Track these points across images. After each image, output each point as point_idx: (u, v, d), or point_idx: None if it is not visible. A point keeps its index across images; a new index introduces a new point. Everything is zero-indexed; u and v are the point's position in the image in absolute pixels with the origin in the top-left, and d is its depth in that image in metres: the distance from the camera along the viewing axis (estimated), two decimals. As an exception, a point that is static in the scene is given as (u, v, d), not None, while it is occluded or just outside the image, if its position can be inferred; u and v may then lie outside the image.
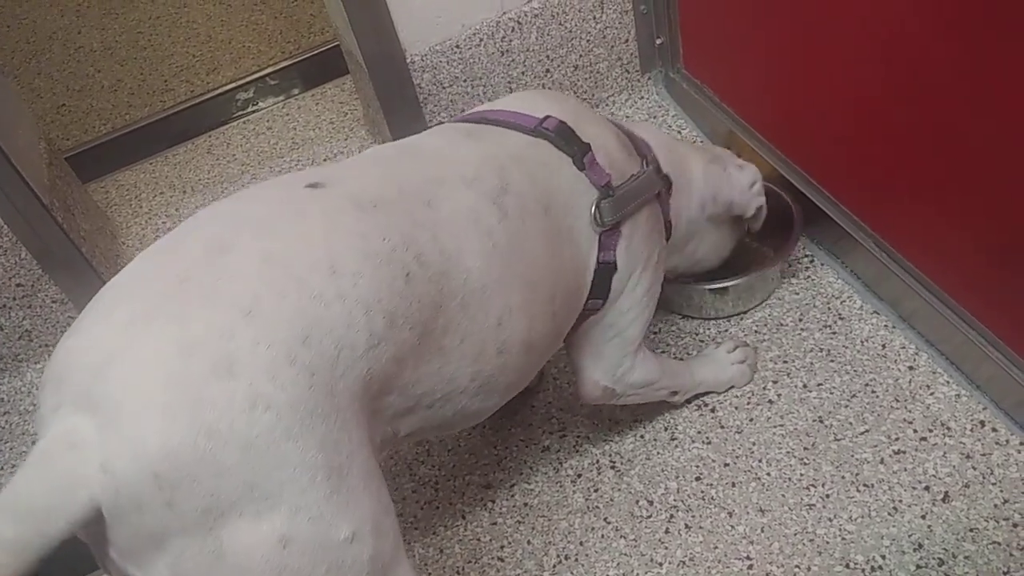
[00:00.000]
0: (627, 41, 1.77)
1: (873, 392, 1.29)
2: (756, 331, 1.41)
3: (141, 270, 0.75)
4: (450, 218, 0.86)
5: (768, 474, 1.24)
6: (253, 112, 2.17)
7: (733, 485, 1.24)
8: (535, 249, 0.94)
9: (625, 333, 1.13)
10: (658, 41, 1.77)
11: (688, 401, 1.34)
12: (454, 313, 0.84)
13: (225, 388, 0.66)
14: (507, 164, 0.95)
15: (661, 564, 1.18)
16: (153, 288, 0.71)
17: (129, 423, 0.65)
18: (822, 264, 1.47)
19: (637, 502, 1.25)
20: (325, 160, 1.94)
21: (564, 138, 1.01)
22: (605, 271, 1.05)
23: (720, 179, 1.26)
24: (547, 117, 1.03)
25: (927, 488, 1.18)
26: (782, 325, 1.41)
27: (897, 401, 1.27)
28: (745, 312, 1.44)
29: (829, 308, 1.42)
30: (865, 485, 1.20)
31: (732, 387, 1.34)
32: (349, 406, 0.73)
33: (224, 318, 0.68)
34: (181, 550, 0.66)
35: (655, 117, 1.80)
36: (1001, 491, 1.15)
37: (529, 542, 1.24)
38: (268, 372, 0.67)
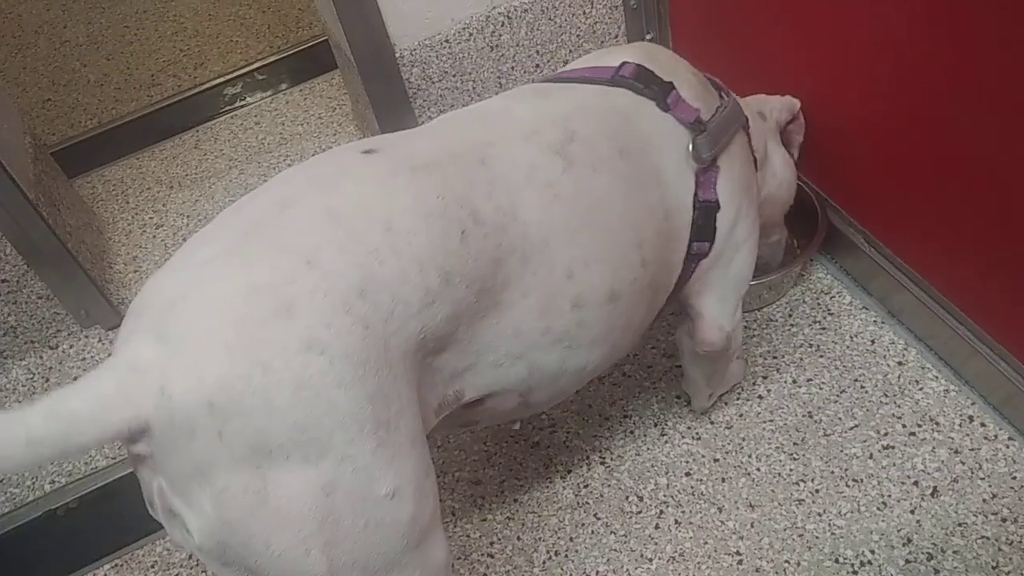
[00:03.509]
0: (617, 36, 1.77)
1: (862, 387, 1.29)
2: (746, 327, 1.41)
3: (219, 221, 0.78)
4: (505, 174, 0.85)
5: (758, 469, 1.24)
6: (241, 107, 2.15)
7: (723, 480, 1.24)
8: (612, 196, 0.91)
9: (744, 271, 1.10)
10: (648, 36, 1.77)
11: (678, 396, 1.34)
12: (514, 267, 0.84)
13: (283, 329, 0.68)
14: (573, 114, 0.94)
15: (651, 560, 1.18)
16: (226, 235, 0.75)
17: (191, 353, 0.67)
18: (811, 260, 1.47)
19: (627, 498, 1.25)
20: (313, 155, 1.93)
21: (643, 81, 0.99)
22: (708, 210, 1.01)
23: (757, 99, 1.28)
24: (623, 64, 1.01)
25: (916, 483, 1.18)
26: (771, 320, 1.41)
27: (886, 396, 1.28)
28: (765, 307, 1.44)
29: (819, 304, 1.42)
30: (854, 480, 1.20)
31: (735, 384, 1.33)
32: (401, 363, 0.74)
33: (287, 265, 0.71)
34: (226, 484, 0.67)
35: (645, 112, 1.80)
36: (989, 486, 1.16)
37: (519, 538, 1.24)
38: (324, 318, 0.69)
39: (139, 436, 0.68)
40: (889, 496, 1.17)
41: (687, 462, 1.27)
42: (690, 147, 0.99)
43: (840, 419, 1.27)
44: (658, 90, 0.99)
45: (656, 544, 1.19)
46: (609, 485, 1.27)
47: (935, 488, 1.17)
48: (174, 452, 0.67)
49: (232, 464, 0.67)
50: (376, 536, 0.72)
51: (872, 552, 1.13)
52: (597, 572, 1.18)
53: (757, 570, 1.14)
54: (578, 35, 1.73)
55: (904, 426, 1.24)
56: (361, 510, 0.70)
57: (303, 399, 0.67)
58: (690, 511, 1.22)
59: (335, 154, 0.85)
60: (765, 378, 1.34)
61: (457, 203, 0.80)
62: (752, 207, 1.09)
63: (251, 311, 0.68)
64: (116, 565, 1.34)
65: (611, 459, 1.30)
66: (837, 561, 1.13)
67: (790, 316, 1.41)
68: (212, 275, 0.71)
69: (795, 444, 1.25)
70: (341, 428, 0.69)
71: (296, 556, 0.69)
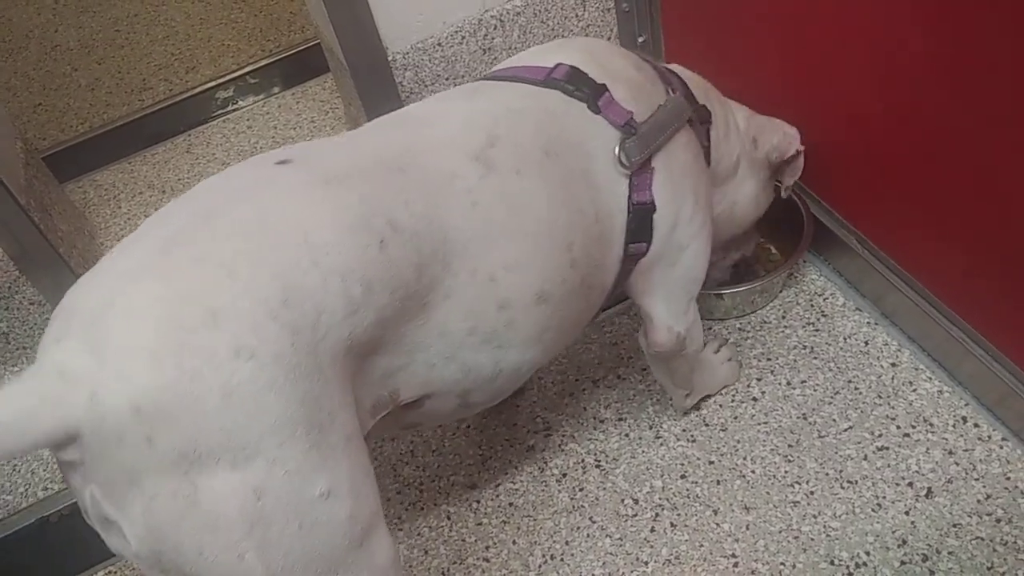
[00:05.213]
0: (609, 38, 1.77)
1: (856, 389, 1.30)
2: (740, 329, 1.42)
3: (143, 231, 0.78)
4: (423, 181, 0.85)
5: (753, 472, 1.24)
6: (233, 111, 2.15)
7: (718, 483, 1.24)
8: (536, 199, 0.91)
9: (691, 272, 1.10)
10: (640, 39, 1.77)
11: (672, 399, 1.34)
12: (437, 272, 0.84)
13: (210, 336, 0.68)
14: (501, 117, 0.93)
15: (647, 563, 1.18)
16: (149, 246, 0.74)
17: (120, 360, 0.67)
18: (804, 261, 1.48)
19: (622, 501, 1.25)
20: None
21: (575, 83, 0.99)
22: (643, 212, 1.01)
23: (763, 123, 1.26)
24: (557, 66, 1.01)
25: (910, 484, 1.18)
26: (765, 323, 1.41)
27: (880, 397, 1.28)
28: (752, 312, 1.44)
29: (812, 305, 1.42)
30: (849, 482, 1.20)
31: (725, 386, 1.34)
32: (331, 367, 0.75)
33: (209, 275, 0.71)
34: (156, 490, 0.67)
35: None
36: (984, 487, 1.16)
37: (515, 542, 1.24)
38: (251, 325, 0.70)
39: (68, 442, 0.68)
40: (884, 497, 1.18)
41: (682, 465, 1.27)
42: (616, 150, 0.98)
43: (834, 421, 1.27)
44: (589, 92, 0.98)
45: (652, 547, 1.19)
46: (604, 488, 1.27)
47: (929, 489, 1.17)
48: (104, 458, 0.68)
49: (161, 470, 0.67)
50: (313, 537, 0.72)
51: (867, 554, 1.13)
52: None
53: (753, 572, 1.14)
54: (570, 38, 1.73)
55: (898, 427, 1.24)
56: (294, 512, 0.71)
57: (232, 404, 0.68)
58: (685, 514, 1.22)
59: (250, 165, 0.85)
60: (759, 380, 1.34)
61: (373, 213, 0.80)
62: (699, 208, 1.07)
63: (177, 320, 0.68)
64: (110, 572, 1.33)
65: (606, 462, 1.30)
66: (832, 563, 1.13)
67: (784, 318, 1.41)
68: (137, 284, 0.71)
69: (790, 446, 1.26)
70: (271, 432, 0.69)
71: (230, 561, 0.69)
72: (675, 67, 1.19)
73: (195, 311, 0.69)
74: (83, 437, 0.67)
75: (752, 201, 1.30)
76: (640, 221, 1.01)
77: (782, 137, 1.27)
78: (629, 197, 1.00)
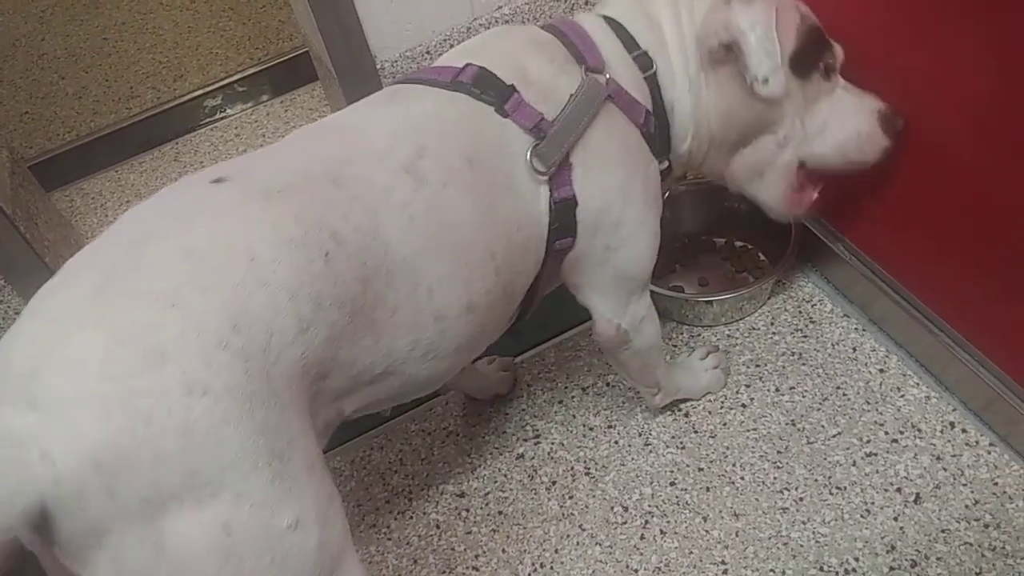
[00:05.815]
0: (597, 47, 1.78)
1: (844, 395, 1.30)
2: (729, 335, 1.42)
3: (70, 272, 0.75)
4: (360, 194, 0.83)
5: (742, 478, 1.24)
6: (221, 119, 2.14)
7: (707, 490, 1.24)
8: (463, 211, 0.90)
9: (626, 270, 1.07)
10: (628, 47, 1.77)
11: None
12: (381, 286, 0.83)
13: (159, 376, 0.66)
14: (423, 126, 0.91)
15: (636, 571, 1.18)
16: (81, 287, 0.71)
17: (67, 414, 0.65)
18: (792, 268, 1.48)
19: (612, 508, 1.25)
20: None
21: (482, 86, 0.95)
22: (565, 208, 0.98)
23: (713, 16, 1.04)
24: (466, 66, 0.97)
25: (899, 490, 1.19)
26: (754, 329, 1.42)
27: (868, 403, 1.28)
28: (741, 319, 1.44)
29: (800, 312, 1.42)
30: (838, 488, 1.20)
31: (708, 393, 1.34)
32: (287, 392, 0.73)
33: (150, 311, 0.68)
34: (122, 543, 0.66)
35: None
36: (971, 492, 1.16)
37: (504, 551, 1.23)
38: (201, 358, 0.67)
39: (38, 517, 0.64)
40: (872, 503, 1.18)
41: (671, 472, 1.27)
42: (528, 155, 0.95)
43: (823, 427, 1.27)
44: (495, 96, 0.95)
45: (641, 555, 1.19)
46: (594, 496, 1.27)
47: (918, 495, 1.18)
48: (66, 519, 0.65)
49: (126, 521, 0.65)
50: (285, 569, 0.71)
51: (856, 560, 1.13)
52: (583, 584, 1.18)
53: (742, 579, 1.15)
54: (559, 46, 1.73)
55: (886, 433, 1.24)
56: (264, 545, 0.69)
57: (192, 443, 0.66)
58: (675, 521, 1.22)
59: (184, 186, 0.82)
60: (748, 386, 1.34)
61: (316, 226, 0.78)
62: (632, 205, 1.02)
63: (121, 363, 0.66)
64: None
65: (596, 470, 1.30)
66: (822, 569, 1.13)
67: (772, 324, 1.42)
68: (73, 331, 0.68)
69: (779, 452, 1.26)
70: (233, 466, 0.67)
71: None
72: (613, 7, 1.08)
73: (139, 350, 0.66)
74: (44, 502, 0.65)
75: (725, 118, 1.09)
76: (563, 218, 0.99)
77: (717, 27, 1.02)
78: (551, 196, 0.97)
